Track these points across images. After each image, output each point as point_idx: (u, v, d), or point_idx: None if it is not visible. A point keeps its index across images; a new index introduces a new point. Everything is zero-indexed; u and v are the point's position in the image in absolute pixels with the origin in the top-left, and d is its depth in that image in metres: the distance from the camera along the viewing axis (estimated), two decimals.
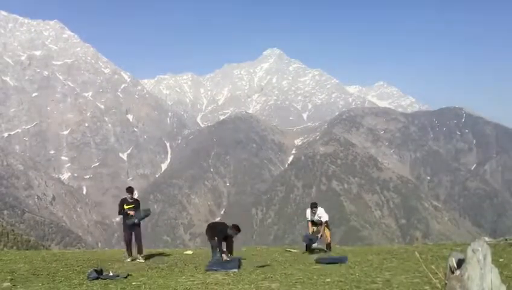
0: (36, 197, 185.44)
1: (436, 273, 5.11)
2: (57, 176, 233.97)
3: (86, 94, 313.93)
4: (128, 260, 11.78)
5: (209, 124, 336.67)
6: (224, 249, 11.07)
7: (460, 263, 3.88)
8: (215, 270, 9.22)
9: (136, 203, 12.08)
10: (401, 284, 7.04)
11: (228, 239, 11.32)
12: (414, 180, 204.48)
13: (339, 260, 10.29)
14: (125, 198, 12.04)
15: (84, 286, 7.62)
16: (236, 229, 11.25)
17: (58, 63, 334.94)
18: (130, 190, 12.31)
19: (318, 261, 10.38)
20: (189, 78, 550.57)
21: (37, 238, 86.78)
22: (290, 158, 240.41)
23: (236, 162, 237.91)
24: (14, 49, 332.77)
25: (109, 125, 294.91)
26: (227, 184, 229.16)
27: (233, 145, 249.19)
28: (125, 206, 11.85)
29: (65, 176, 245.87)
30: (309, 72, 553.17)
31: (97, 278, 8.20)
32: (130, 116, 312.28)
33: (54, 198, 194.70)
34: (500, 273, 4.16)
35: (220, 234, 11.14)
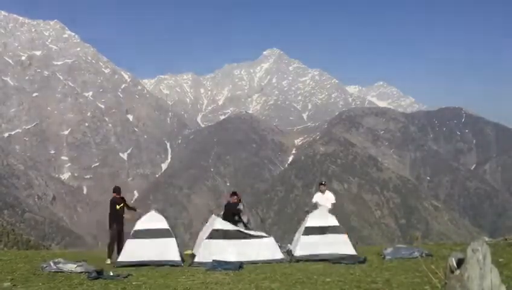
0: (36, 197, 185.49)
1: (436, 273, 5.12)
2: (57, 175, 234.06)
3: (86, 94, 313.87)
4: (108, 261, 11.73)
5: (209, 124, 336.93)
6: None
7: (460, 262, 3.89)
8: (216, 269, 9.23)
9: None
10: (401, 284, 7.05)
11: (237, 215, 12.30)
12: (414, 180, 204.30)
13: (356, 260, 10.00)
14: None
15: (85, 285, 7.64)
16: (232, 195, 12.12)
17: (59, 63, 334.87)
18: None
19: (335, 262, 9.99)
20: (190, 78, 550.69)
21: (37, 238, 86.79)
22: (290, 158, 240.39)
23: (236, 162, 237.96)
24: (15, 49, 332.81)
25: (109, 125, 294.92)
26: (228, 184, 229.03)
27: (233, 145, 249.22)
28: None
29: (65, 175, 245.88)
30: (309, 72, 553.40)
31: (97, 278, 8.22)
32: (130, 116, 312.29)
33: (54, 198, 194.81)
34: (500, 273, 4.16)
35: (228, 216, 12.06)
